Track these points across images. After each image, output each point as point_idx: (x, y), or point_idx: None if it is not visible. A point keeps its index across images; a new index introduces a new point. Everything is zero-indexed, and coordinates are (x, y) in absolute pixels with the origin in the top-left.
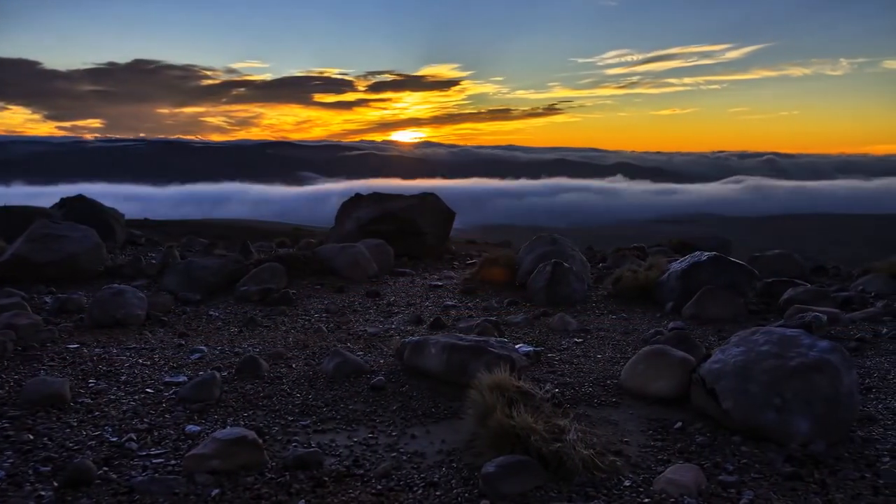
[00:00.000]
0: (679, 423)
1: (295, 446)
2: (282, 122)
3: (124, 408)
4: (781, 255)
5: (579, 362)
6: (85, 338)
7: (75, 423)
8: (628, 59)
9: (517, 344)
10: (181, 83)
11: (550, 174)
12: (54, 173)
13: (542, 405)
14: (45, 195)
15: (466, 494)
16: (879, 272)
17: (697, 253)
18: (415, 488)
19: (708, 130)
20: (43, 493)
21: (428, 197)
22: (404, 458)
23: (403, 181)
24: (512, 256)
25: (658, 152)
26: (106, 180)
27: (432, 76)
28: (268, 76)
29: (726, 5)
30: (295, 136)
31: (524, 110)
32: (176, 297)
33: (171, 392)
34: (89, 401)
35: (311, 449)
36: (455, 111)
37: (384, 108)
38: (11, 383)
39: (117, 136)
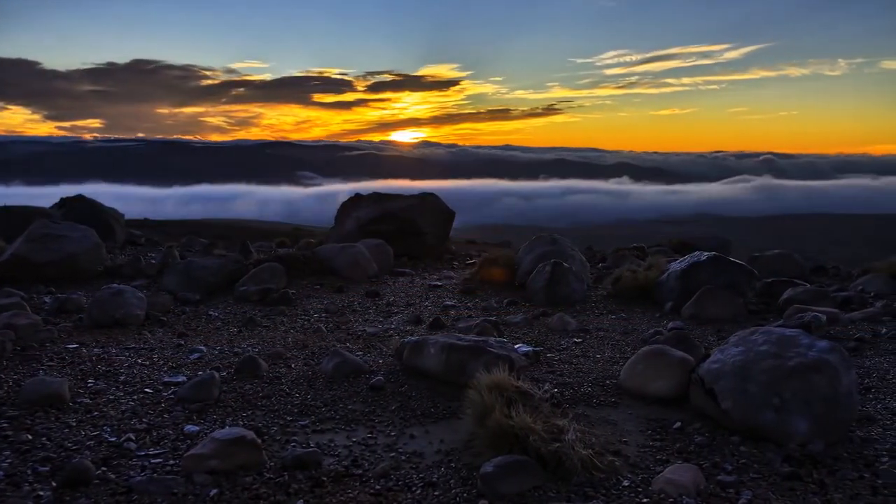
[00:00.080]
0: (678, 423)
1: (294, 446)
2: (281, 122)
3: (123, 408)
4: (781, 255)
5: (578, 362)
6: (84, 338)
7: (74, 423)
8: (627, 59)
9: (516, 344)
10: (181, 83)
11: (550, 174)
12: (54, 173)
13: (540, 405)
14: (45, 195)
15: (465, 494)
16: (879, 272)
17: (697, 253)
18: (413, 488)
19: (707, 130)
20: (41, 493)
21: (428, 197)
22: (403, 458)
23: (403, 181)
24: (511, 256)
25: (656, 152)
26: (106, 180)
27: (431, 76)
28: (267, 76)
29: (725, 5)
30: (294, 137)
31: (523, 110)
32: (175, 297)
33: (169, 392)
34: (88, 401)
35: (310, 449)
36: (454, 111)
37: (383, 109)
38: (10, 383)
39: (117, 136)
